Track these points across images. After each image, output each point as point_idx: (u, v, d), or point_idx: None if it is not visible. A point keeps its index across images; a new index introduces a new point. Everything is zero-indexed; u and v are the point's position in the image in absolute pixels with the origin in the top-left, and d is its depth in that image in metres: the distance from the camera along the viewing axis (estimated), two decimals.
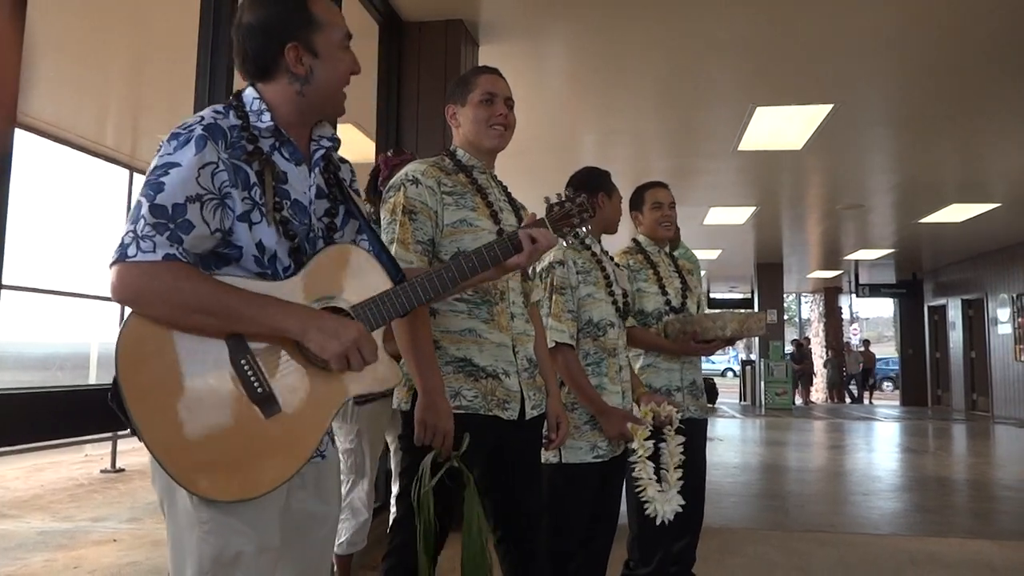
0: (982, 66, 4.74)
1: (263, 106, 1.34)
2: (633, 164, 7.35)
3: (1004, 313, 12.71)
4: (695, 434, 3.03)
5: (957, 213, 9.38)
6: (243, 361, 1.24)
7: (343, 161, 1.51)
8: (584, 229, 2.32)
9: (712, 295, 19.69)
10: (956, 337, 14.74)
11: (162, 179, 1.21)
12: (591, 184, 2.53)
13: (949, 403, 15.19)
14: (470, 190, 1.96)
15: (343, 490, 2.78)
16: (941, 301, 15.52)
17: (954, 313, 14.82)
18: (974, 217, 9.53)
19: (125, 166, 7.18)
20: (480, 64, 4.37)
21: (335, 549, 2.77)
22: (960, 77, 4.95)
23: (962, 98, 5.35)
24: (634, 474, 2.31)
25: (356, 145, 5.50)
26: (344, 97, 1.40)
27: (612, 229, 2.61)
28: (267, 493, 1.24)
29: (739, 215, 9.71)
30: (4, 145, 1.59)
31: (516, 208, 2.13)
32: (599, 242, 2.61)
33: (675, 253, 3.35)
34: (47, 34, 4.38)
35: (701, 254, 12.99)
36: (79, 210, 7.90)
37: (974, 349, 14.14)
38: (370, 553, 3.06)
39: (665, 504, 2.32)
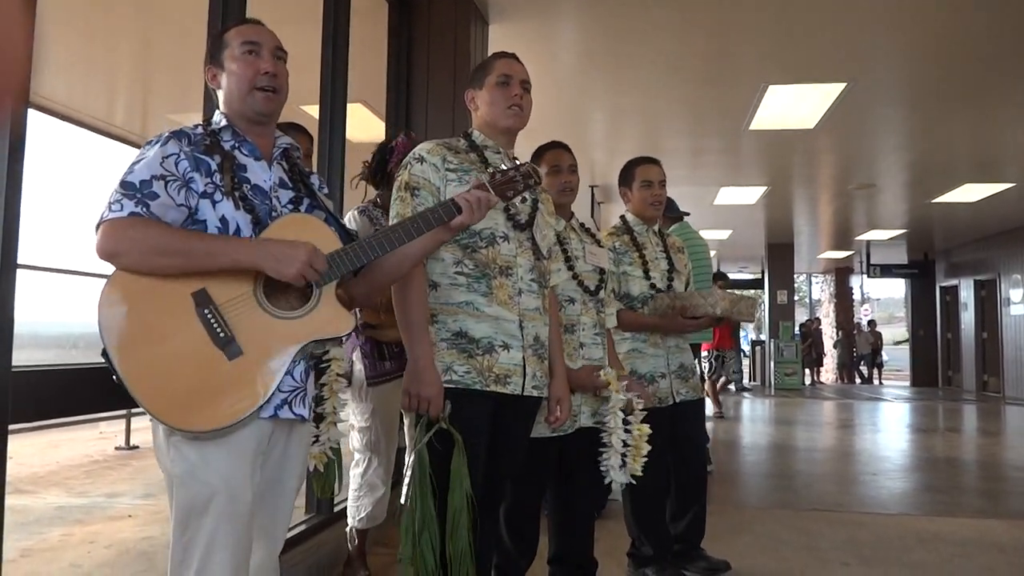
0: (998, 44, 4.68)
1: (221, 116, 1.62)
2: (643, 142, 7.31)
3: (1016, 294, 12.62)
4: (691, 415, 3.02)
5: (970, 193, 9.28)
6: (207, 311, 1.43)
7: (311, 173, 1.77)
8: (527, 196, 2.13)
9: None
10: (967, 318, 14.64)
11: (133, 167, 1.47)
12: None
13: (960, 384, 15.13)
14: (477, 167, 1.98)
15: (359, 469, 2.81)
16: (953, 282, 15.41)
17: (966, 294, 14.72)
18: (987, 197, 9.43)
19: (135, 145, 7.19)
20: (489, 42, 4.37)
21: (356, 524, 2.81)
22: (975, 55, 4.88)
23: (977, 77, 5.28)
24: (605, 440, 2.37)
25: (366, 124, 5.47)
26: (263, 97, 1.59)
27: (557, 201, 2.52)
28: (233, 424, 1.40)
29: (750, 195, 9.65)
30: (18, 125, 1.60)
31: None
32: (570, 219, 2.62)
33: (677, 235, 3.31)
34: (57, 14, 4.38)
35: (711, 234, 12.91)
36: (91, 189, 7.94)
37: (985, 330, 14.05)
38: (385, 531, 3.09)
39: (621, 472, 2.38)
